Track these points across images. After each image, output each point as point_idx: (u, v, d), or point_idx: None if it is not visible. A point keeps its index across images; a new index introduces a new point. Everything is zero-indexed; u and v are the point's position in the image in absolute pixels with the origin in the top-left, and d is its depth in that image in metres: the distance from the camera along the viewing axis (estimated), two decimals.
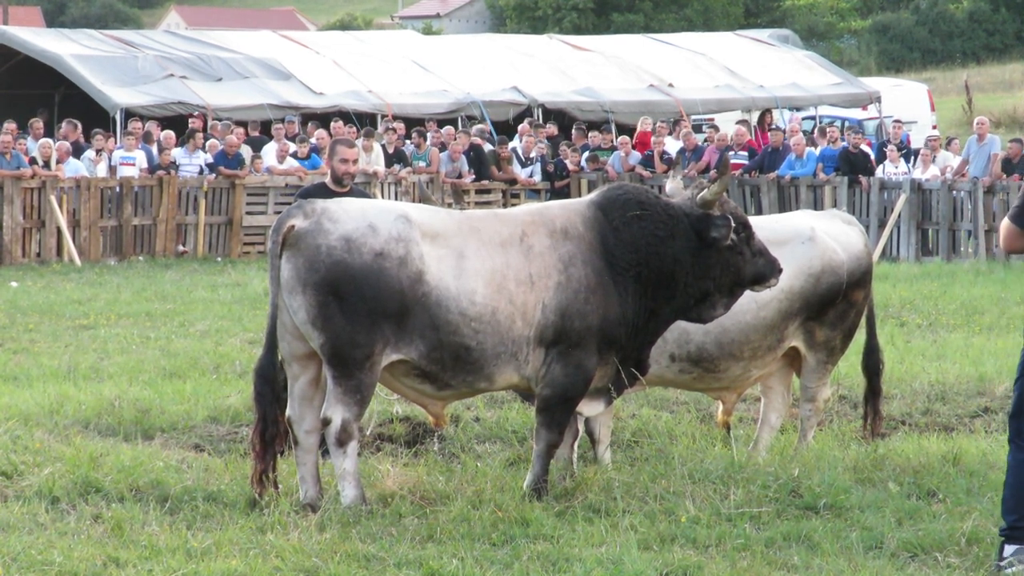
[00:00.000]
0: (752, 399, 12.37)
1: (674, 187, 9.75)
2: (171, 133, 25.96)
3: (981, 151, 25.01)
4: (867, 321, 10.64)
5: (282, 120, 27.89)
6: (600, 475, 9.45)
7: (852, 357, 11.55)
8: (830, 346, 10.31)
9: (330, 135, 26.34)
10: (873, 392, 10.68)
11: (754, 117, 32.39)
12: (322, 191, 10.52)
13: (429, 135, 27.79)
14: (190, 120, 27.22)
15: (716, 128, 28.64)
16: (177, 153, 25.50)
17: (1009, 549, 7.81)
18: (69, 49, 29.71)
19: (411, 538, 8.21)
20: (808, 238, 10.17)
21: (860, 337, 10.74)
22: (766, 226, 9.92)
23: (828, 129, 28.76)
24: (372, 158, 25.97)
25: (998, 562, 7.80)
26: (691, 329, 9.79)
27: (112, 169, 24.91)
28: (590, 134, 28.69)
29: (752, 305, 9.88)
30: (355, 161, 10.76)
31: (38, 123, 25.84)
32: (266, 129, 27.78)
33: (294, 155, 26.16)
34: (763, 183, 26.22)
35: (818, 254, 10.15)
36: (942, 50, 69.67)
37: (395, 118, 29.10)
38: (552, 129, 29.29)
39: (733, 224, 9.19)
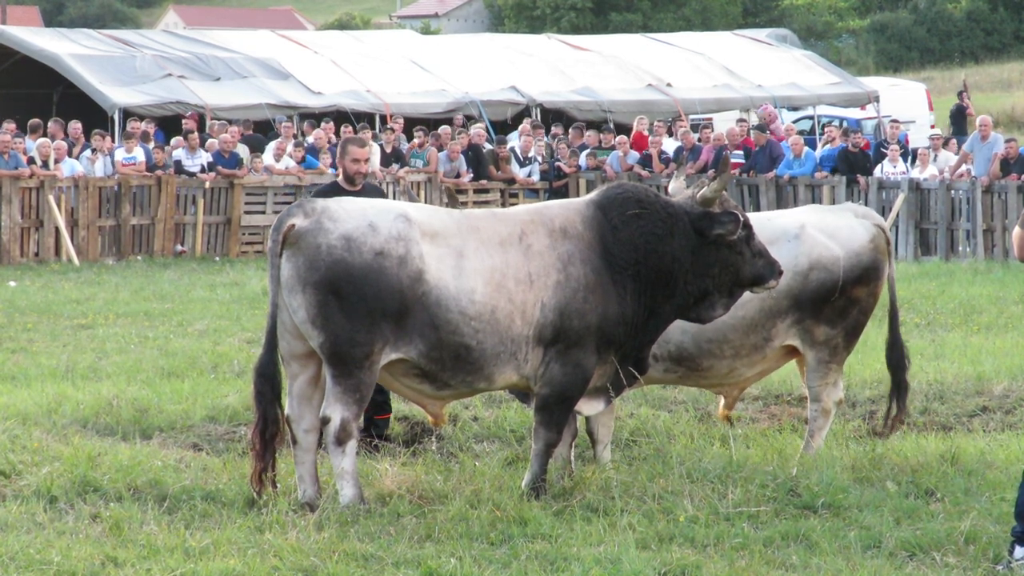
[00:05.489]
0: (750, 398, 12.38)
1: (677, 186, 9.74)
2: (178, 139, 25.85)
3: (984, 150, 24.95)
4: (890, 316, 10.53)
5: (289, 120, 27.85)
6: (598, 474, 9.45)
7: (850, 356, 11.53)
8: (831, 344, 10.19)
9: (337, 135, 26.32)
10: (898, 387, 10.50)
11: (753, 117, 32.34)
12: (335, 190, 10.47)
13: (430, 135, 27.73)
14: (184, 120, 27.17)
15: (710, 128, 28.50)
16: (179, 154, 25.45)
17: (1020, 551, 7.80)
18: (67, 48, 29.67)
19: (409, 537, 8.22)
20: (794, 236, 10.10)
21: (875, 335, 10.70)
22: (755, 225, 9.87)
23: (826, 129, 28.72)
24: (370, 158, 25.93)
25: (1008, 561, 7.78)
26: (670, 329, 9.69)
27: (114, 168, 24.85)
28: (587, 133, 28.62)
29: None
30: (367, 160, 10.71)
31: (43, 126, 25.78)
32: (261, 128, 27.75)
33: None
34: (762, 183, 26.21)
35: (804, 251, 10.07)
36: (940, 49, 69.67)
37: (393, 117, 29.04)
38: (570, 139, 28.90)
39: (741, 219, 9.20)
